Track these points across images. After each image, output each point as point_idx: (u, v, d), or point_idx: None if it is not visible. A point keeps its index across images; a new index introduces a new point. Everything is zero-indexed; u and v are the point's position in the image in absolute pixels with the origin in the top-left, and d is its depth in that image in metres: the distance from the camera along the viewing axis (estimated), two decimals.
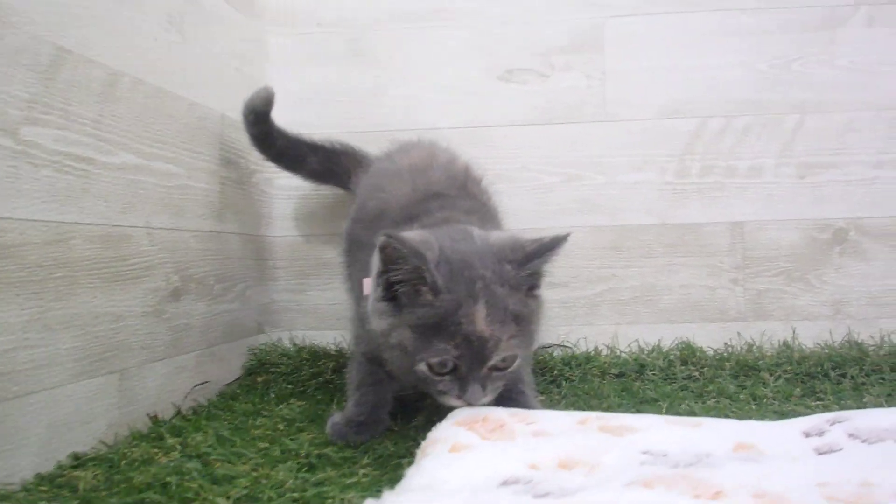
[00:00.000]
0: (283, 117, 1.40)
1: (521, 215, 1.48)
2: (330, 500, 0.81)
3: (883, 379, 1.31)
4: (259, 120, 1.33)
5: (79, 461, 0.95)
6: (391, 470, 0.92)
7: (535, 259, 0.92)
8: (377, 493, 0.73)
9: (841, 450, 0.80)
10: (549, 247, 0.93)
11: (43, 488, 0.86)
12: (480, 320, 0.88)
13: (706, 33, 1.52)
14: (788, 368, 1.35)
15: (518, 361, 0.94)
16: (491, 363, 0.90)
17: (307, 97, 1.56)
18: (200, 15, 1.31)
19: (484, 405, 0.92)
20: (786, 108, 1.51)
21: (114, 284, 1.04)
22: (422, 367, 0.90)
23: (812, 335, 1.49)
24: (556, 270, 1.47)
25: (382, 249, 0.88)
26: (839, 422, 0.86)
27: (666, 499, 0.64)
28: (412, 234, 0.93)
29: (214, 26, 1.37)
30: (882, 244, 1.49)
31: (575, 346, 1.50)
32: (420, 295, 0.89)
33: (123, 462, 0.94)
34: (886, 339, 1.46)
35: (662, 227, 1.52)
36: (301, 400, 1.29)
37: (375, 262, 0.92)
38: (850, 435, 0.82)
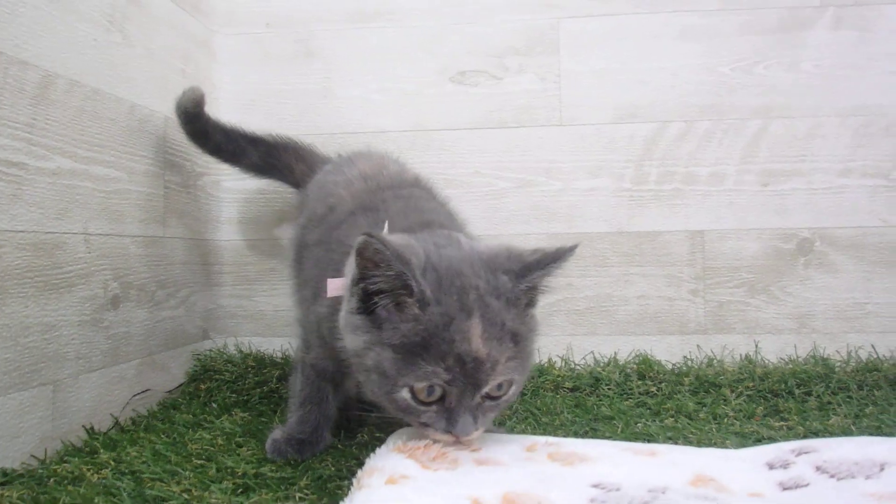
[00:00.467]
0: (230, 119, 1.38)
1: (473, 222, 1.42)
2: None
3: (850, 398, 1.25)
4: (190, 119, 1.30)
5: (7, 478, 0.92)
6: (329, 494, 0.87)
7: (537, 271, 0.81)
8: None
9: (807, 485, 0.76)
10: (553, 258, 0.81)
11: None
12: (476, 337, 0.77)
13: (665, 35, 1.47)
14: (750, 385, 1.30)
15: (514, 389, 0.83)
16: (486, 389, 0.79)
17: (255, 98, 1.53)
18: (144, 16, 1.29)
19: (475, 439, 0.81)
20: (748, 112, 1.45)
21: (47, 293, 1.01)
22: (403, 393, 0.78)
23: (775, 349, 1.43)
24: None
25: (361, 252, 0.77)
26: (805, 452, 0.82)
27: None
28: (394, 237, 0.82)
29: (159, 27, 1.34)
30: (849, 255, 1.44)
31: None
32: (404, 308, 0.78)
33: (52, 480, 0.91)
34: (854, 354, 1.40)
35: (619, 235, 1.47)
36: (244, 411, 1.26)
37: (350, 267, 0.82)
38: (818, 468, 0.78)
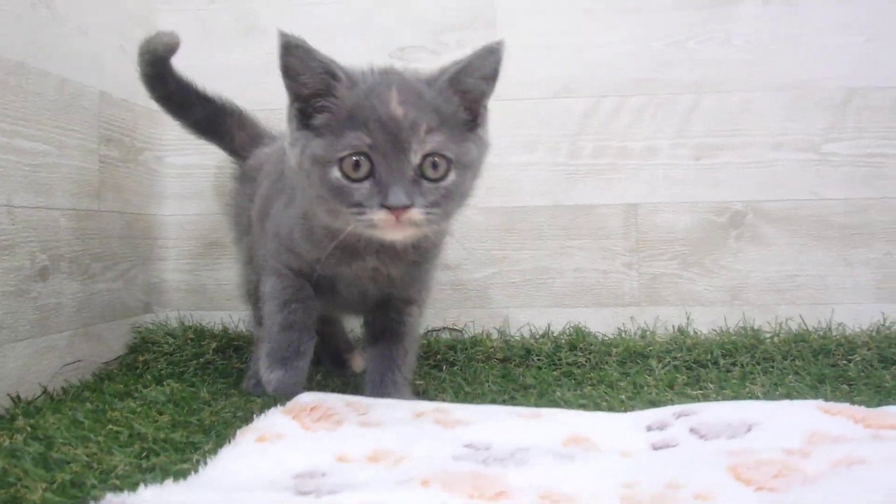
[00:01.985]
0: None
1: None
2: None
3: (773, 367, 1.28)
4: (156, 62, 1.28)
5: None
6: None
7: (459, 67, 0.89)
8: None
9: (676, 445, 0.78)
10: (474, 56, 0.90)
11: None
12: (393, 101, 0.84)
13: (599, 10, 1.48)
14: (678, 356, 1.32)
15: (453, 177, 0.87)
16: (413, 157, 0.84)
17: (196, 74, 1.50)
18: None
19: (417, 220, 0.83)
20: (681, 87, 1.47)
21: None
22: (335, 173, 0.84)
23: (708, 321, 1.46)
24: (446, 252, 1.47)
25: (284, 57, 0.88)
26: (686, 415, 0.84)
27: (437, 499, 0.62)
28: None
29: (93, 3, 1.35)
30: (780, 228, 1.46)
31: (464, 329, 1.48)
32: (334, 95, 0.87)
33: None
34: (784, 325, 1.42)
35: (555, 208, 1.49)
36: (177, 382, 1.27)
37: (287, 97, 0.91)
38: (692, 430, 0.81)
